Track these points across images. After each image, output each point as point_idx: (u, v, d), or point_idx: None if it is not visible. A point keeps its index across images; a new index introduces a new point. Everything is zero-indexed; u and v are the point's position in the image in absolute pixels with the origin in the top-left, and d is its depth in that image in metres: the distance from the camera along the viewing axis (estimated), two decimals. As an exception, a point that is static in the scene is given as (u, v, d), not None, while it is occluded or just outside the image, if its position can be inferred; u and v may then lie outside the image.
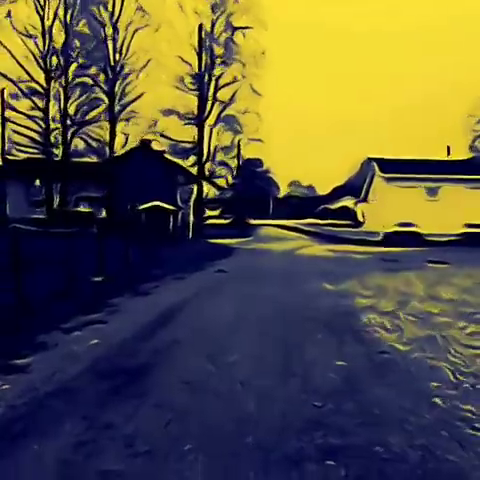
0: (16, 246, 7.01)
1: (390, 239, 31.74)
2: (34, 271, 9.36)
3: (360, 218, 48.70)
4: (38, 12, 36.68)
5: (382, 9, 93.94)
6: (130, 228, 20.11)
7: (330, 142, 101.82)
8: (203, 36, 39.26)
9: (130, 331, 6.64)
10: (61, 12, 37.49)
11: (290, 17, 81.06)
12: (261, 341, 6.40)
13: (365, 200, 46.28)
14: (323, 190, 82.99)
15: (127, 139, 40.80)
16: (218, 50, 42.62)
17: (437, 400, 4.36)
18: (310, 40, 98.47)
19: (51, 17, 37.25)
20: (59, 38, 37.65)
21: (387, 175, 39.36)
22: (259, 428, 3.75)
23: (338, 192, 71.99)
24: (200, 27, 37.38)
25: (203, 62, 39.80)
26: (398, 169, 37.81)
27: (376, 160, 41.59)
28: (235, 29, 41.35)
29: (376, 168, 41.45)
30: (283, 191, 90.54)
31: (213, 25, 42.14)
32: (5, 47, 35.21)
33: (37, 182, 38.19)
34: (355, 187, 50.41)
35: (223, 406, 4.19)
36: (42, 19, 37.08)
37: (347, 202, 62.68)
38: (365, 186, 45.69)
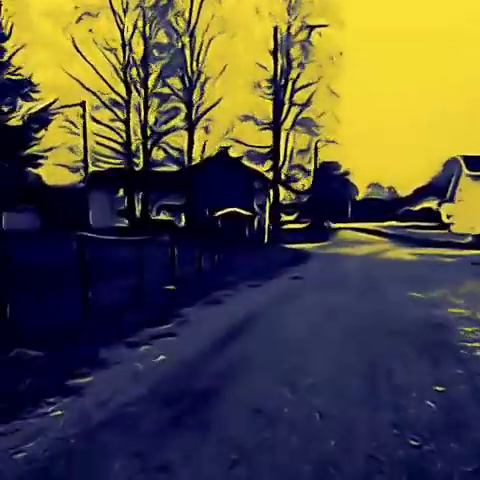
0: (82, 254, 6.78)
1: (480, 241, 29.37)
2: (106, 280, 9.20)
3: (445, 219, 46.20)
4: (118, 25, 37.85)
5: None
6: (206, 235, 19.95)
7: (411, 141, 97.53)
8: (279, 39, 38.73)
9: (199, 346, 6.15)
10: (140, 24, 38.47)
11: (366, 17, 78.35)
12: (341, 362, 5.68)
13: (451, 200, 43.75)
14: (405, 191, 79.95)
15: (205, 146, 41.17)
16: (294, 52, 42.06)
17: None
18: (387, 39, 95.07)
19: (130, 29, 38.33)
20: (138, 49, 38.68)
21: (475, 173, 36.90)
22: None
23: (421, 193, 69.04)
24: (275, 29, 36.57)
25: (279, 65, 39.26)
26: (488, 166, 35.31)
27: (463, 158, 39.11)
28: (311, 28, 40.53)
29: (463, 166, 38.99)
30: (362, 193, 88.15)
31: (289, 27, 41.62)
32: (87, 61, 36.67)
33: (120, 192, 39.33)
34: (439, 187, 48.02)
35: (297, 446, 3.57)
36: (122, 32, 38.22)
37: (430, 203, 59.81)
38: (451, 186, 43.17)
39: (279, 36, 38.40)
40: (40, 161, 42.14)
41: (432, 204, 58.30)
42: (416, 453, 3.46)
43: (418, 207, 66.45)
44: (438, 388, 4.72)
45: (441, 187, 47.38)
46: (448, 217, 45.29)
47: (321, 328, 7.34)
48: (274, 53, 35.53)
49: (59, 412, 4.00)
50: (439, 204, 50.92)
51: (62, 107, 34.57)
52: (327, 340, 6.63)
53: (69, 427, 3.77)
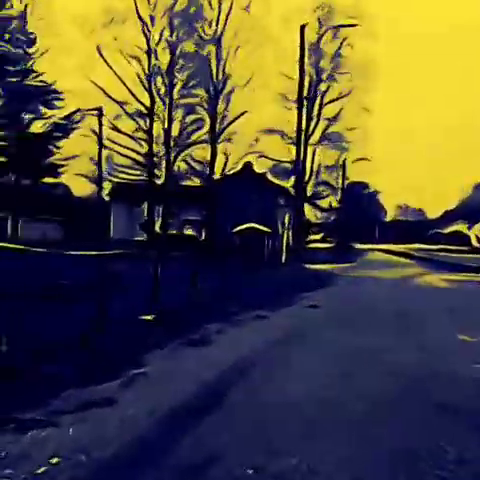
0: None
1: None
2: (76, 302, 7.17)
3: (475, 243, 43.98)
4: (144, 33, 36.38)
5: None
6: (223, 252, 18.04)
7: (445, 162, 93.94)
8: (307, 49, 36.63)
9: (144, 426, 3.96)
10: (166, 32, 36.95)
11: (400, 27, 75.72)
12: (374, 444, 3.46)
13: (482, 224, 41.33)
14: (434, 214, 77.71)
15: (227, 160, 39.22)
16: (324, 63, 40.13)
17: None
18: (421, 51, 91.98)
19: (156, 37, 36.80)
20: (164, 58, 37.12)
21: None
22: None
23: (450, 216, 66.84)
24: (302, 29, 29.98)
25: (307, 74, 37.15)
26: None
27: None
28: (339, 27, 38.28)
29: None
30: (390, 214, 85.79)
31: (319, 38, 39.73)
32: (112, 68, 35.25)
33: (143, 205, 38.55)
34: (469, 210, 46.49)
35: None
36: (148, 40, 36.70)
37: (460, 226, 57.89)
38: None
39: (308, 46, 36.25)
40: (60, 170, 41.22)
41: (462, 227, 56.91)
42: None
43: (447, 230, 64.69)
44: None
45: (471, 210, 45.58)
46: (479, 241, 43.33)
47: (338, 392, 5.11)
48: (301, 55, 29.82)
49: None
50: (469, 227, 49.26)
51: (77, 111, 33.44)
52: (345, 427, 4.39)
53: None
